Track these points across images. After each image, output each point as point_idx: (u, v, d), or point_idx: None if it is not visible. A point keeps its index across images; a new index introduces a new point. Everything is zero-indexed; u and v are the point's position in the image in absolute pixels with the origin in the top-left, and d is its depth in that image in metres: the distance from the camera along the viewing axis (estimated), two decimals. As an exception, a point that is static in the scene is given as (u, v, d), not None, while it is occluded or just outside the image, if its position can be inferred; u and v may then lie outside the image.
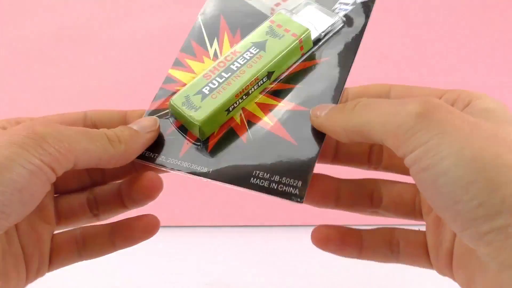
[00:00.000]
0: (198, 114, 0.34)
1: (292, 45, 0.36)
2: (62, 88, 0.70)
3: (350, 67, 0.36)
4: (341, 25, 0.37)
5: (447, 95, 0.31)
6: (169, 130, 0.36)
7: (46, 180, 0.28)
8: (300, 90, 0.36)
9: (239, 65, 0.35)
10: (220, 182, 0.33)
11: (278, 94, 0.36)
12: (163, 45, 0.73)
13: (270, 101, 0.36)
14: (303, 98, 0.35)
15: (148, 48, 0.74)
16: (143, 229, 0.36)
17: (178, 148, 0.35)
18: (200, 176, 0.34)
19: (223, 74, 0.35)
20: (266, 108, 0.35)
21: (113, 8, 0.78)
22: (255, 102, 0.36)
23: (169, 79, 0.38)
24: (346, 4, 0.38)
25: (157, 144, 0.35)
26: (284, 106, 0.35)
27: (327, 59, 0.36)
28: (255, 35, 0.37)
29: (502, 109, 0.29)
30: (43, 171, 0.28)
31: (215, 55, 0.38)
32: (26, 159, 0.27)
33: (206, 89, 0.35)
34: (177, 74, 0.37)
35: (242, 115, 0.35)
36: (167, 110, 0.36)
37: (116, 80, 0.71)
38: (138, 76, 0.71)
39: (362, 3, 0.37)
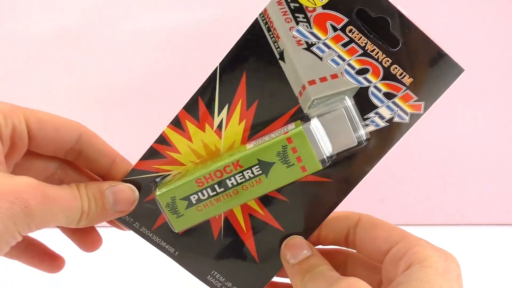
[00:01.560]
0: (179, 223, 0.35)
1: (297, 178, 0.34)
2: (62, 88, 0.71)
3: (343, 199, 0.35)
4: (363, 143, 0.34)
5: (400, 246, 0.34)
6: (149, 197, 0.35)
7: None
8: (286, 205, 0.35)
9: (235, 183, 0.34)
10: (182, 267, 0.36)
11: (264, 200, 0.36)
12: (164, 45, 0.72)
13: (254, 205, 0.36)
14: (284, 217, 0.36)
15: (148, 49, 0.72)
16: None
17: (153, 220, 0.35)
18: (166, 254, 0.36)
19: (216, 187, 0.34)
20: (246, 211, 0.36)
21: (113, 8, 0.73)
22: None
23: (163, 140, 0.34)
24: (382, 118, 0.34)
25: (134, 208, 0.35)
26: (263, 217, 0.35)
27: (329, 181, 0.35)
28: (266, 149, 0.33)
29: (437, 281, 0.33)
30: (17, 240, 0.31)
31: (219, 127, 0.34)
32: (12, 236, 0.30)
33: (194, 197, 0.34)
34: (173, 137, 0.34)
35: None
36: (152, 174, 0.34)
37: (117, 80, 0.71)
38: (138, 77, 0.71)
39: (397, 124, 0.34)
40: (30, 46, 0.72)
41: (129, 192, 0.35)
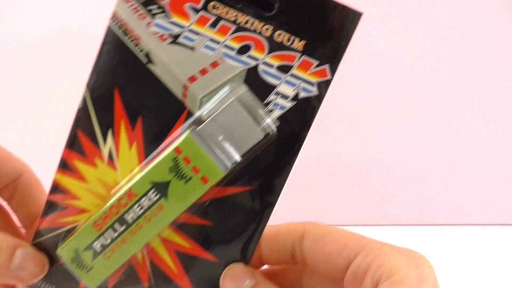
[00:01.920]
0: (91, 278, 0.30)
1: (200, 193, 0.28)
2: (62, 88, 0.69)
3: (275, 203, 0.29)
4: (273, 134, 0.29)
5: (360, 259, 0.28)
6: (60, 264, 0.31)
7: None
8: (211, 230, 0.30)
9: (135, 216, 0.29)
10: None
11: (186, 229, 0.30)
12: None
13: (177, 239, 0.30)
14: (213, 244, 0.30)
15: None
16: None
17: (76, 282, 0.31)
18: None
19: (116, 226, 0.29)
20: (171, 248, 0.30)
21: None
22: (160, 237, 0.30)
23: (56, 188, 0.30)
24: (285, 97, 0.28)
25: (50, 272, 0.31)
26: (191, 249, 0.30)
27: (250, 188, 0.29)
28: (156, 169, 0.28)
29: None
30: None
31: (110, 158, 0.30)
32: None
33: (97, 244, 0.29)
34: (65, 181, 0.30)
35: (144, 252, 0.30)
36: (61, 230, 0.31)
37: None
38: None
39: (305, 100, 0.28)
40: (30, 46, 0.72)
41: (34, 265, 0.31)
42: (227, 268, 0.30)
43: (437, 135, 0.70)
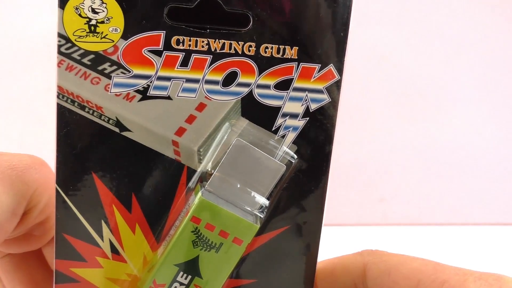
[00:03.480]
0: None
1: (238, 255, 0.24)
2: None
3: (320, 235, 0.26)
4: (294, 160, 0.25)
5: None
6: None
7: None
8: (258, 287, 0.26)
9: None
10: None
11: None
12: None
13: None
14: None
15: None
16: None
17: None
18: None
19: None
20: None
21: None
22: None
23: None
24: (295, 116, 0.24)
25: None
26: None
27: (286, 228, 0.25)
28: (177, 247, 0.24)
29: None
30: None
31: (114, 251, 0.25)
32: None
33: None
34: None
35: None
36: None
37: None
38: None
39: (318, 111, 0.24)
40: (31, 46, 0.70)
41: None
42: None
43: (437, 135, 0.70)
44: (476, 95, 0.72)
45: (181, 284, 0.24)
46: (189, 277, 0.24)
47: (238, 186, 0.24)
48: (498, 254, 0.61)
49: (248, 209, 0.24)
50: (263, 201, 0.24)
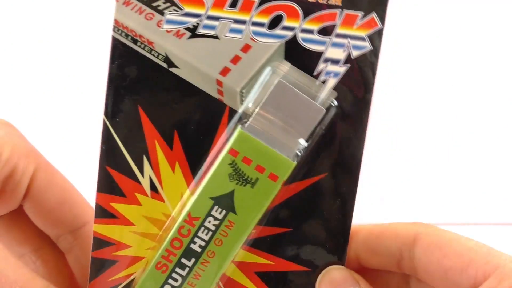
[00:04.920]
0: None
1: (273, 194, 0.25)
2: (62, 88, 0.69)
3: (357, 184, 0.26)
4: (334, 108, 0.26)
5: (491, 283, 0.24)
6: None
7: None
8: (292, 236, 0.26)
9: (203, 244, 0.25)
10: None
11: (263, 245, 0.26)
12: None
13: (254, 258, 0.27)
14: (300, 251, 0.26)
15: None
16: None
17: None
18: None
19: (184, 261, 0.25)
20: (250, 271, 0.27)
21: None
22: (233, 261, 0.26)
23: (100, 242, 0.26)
24: (336, 62, 0.25)
25: None
26: (274, 265, 0.26)
27: (324, 175, 0.26)
28: (213, 181, 0.25)
29: None
30: None
31: (153, 189, 0.26)
32: None
33: None
34: (109, 232, 0.26)
35: (221, 284, 0.27)
36: None
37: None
38: None
39: (360, 58, 0.25)
40: (31, 46, 0.71)
41: None
42: (323, 272, 0.26)
43: (437, 135, 0.71)
44: (476, 95, 0.72)
45: (216, 219, 0.25)
46: (224, 212, 0.25)
47: (278, 124, 0.25)
48: None
49: (287, 147, 0.25)
50: (302, 141, 0.25)
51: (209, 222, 0.25)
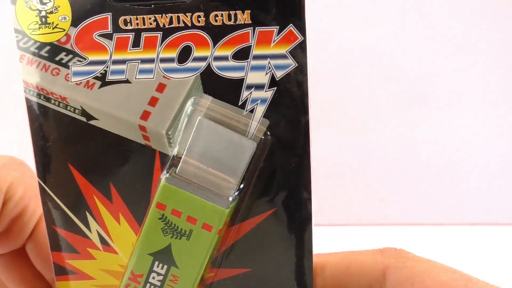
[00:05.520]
0: None
1: (213, 245, 0.23)
2: None
3: (311, 214, 0.23)
4: (267, 140, 0.23)
5: None
6: None
7: None
8: (253, 276, 0.24)
9: None
10: None
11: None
12: None
13: None
14: None
15: None
16: None
17: None
18: None
19: None
20: None
21: None
22: None
23: None
24: (261, 87, 0.22)
25: None
26: None
27: (273, 211, 0.24)
28: (148, 236, 0.23)
29: None
30: None
31: (104, 242, 0.25)
32: None
33: None
34: (72, 287, 0.26)
35: None
36: None
37: None
38: None
39: (286, 78, 0.22)
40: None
41: None
42: None
43: (437, 134, 0.71)
44: (476, 94, 0.71)
45: (159, 274, 0.24)
46: (165, 266, 0.24)
47: (206, 170, 0.23)
48: (498, 254, 0.62)
49: (217, 193, 0.23)
50: (233, 182, 0.23)
51: (153, 278, 0.24)
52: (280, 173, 0.23)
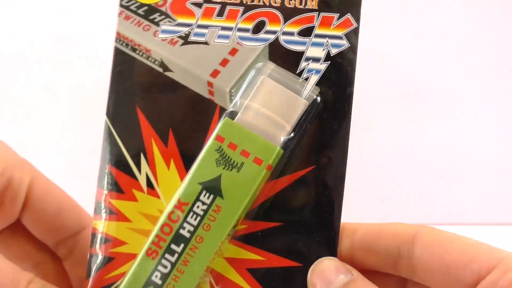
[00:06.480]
0: None
1: (259, 179, 0.26)
2: (62, 89, 0.72)
3: (345, 175, 0.27)
4: (317, 101, 0.28)
5: (495, 275, 0.24)
6: None
7: None
8: (283, 231, 0.27)
9: (191, 229, 0.26)
10: None
11: (253, 240, 0.27)
12: None
13: (245, 254, 0.27)
14: (290, 247, 0.27)
15: None
16: None
17: None
18: None
19: (173, 247, 0.26)
20: (241, 267, 0.27)
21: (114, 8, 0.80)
22: (224, 257, 0.27)
23: (97, 238, 0.28)
24: (317, 60, 0.27)
25: None
26: (265, 261, 0.27)
27: (312, 168, 0.27)
28: (201, 167, 0.26)
29: None
30: None
31: (150, 185, 0.28)
32: None
33: (156, 276, 0.26)
34: (108, 227, 0.28)
35: (212, 280, 0.27)
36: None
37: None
38: None
39: (339, 55, 0.27)
40: (30, 47, 0.73)
41: None
42: (315, 263, 0.26)
43: (437, 135, 0.72)
44: (476, 95, 0.73)
45: (204, 203, 0.26)
46: (212, 196, 0.26)
47: (264, 114, 0.27)
48: None
49: (271, 134, 0.26)
50: (286, 130, 0.27)
51: (198, 207, 0.26)
52: (323, 134, 0.27)
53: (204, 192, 0.26)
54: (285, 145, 0.27)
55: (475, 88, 0.73)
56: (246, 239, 0.27)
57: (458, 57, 0.73)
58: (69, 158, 0.63)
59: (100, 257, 0.28)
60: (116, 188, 0.28)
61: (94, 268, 0.27)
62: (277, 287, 0.27)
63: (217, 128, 0.27)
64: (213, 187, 0.26)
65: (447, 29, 0.73)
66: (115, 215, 0.28)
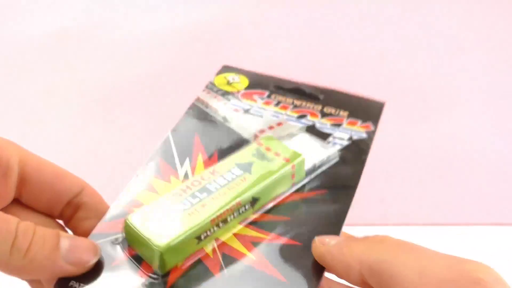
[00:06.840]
0: (159, 237, 0.28)
1: (283, 170, 0.31)
2: (62, 89, 0.76)
3: (349, 206, 0.32)
4: (336, 159, 0.34)
5: None
6: (117, 261, 0.28)
7: None
8: (291, 223, 0.30)
9: (218, 186, 0.30)
10: None
11: (263, 226, 0.30)
12: (165, 46, 0.85)
13: (253, 232, 0.30)
14: (295, 232, 0.30)
15: (149, 49, 0.84)
16: None
17: (126, 284, 0.27)
18: None
19: (197, 194, 0.30)
20: (247, 241, 0.29)
21: (114, 8, 0.86)
22: (233, 234, 0.30)
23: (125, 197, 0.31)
24: (341, 138, 0.35)
25: (95, 273, 0.27)
26: (271, 239, 0.29)
27: (323, 192, 0.32)
28: (240, 155, 0.32)
29: None
30: None
31: (186, 177, 0.33)
32: None
33: (176, 207, 0.29)
34: (140, 196, 0.31)
35: (215, 246, 0.29)
36: (119, 235, 0.29)
37: (117, 80, 0.79)
38: (138, 77, 0.80)
39: (358, 140, 0.35)
40: (30, 47, 0.73)
41: (88, 244, 0.27)
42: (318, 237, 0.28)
43: (436, 135, 0.72)
44: (476, 95, 0.74)
45: (233, 174, 0.31)
46: (241, 171, 0.31)
47: (301, 139, 0.33)
48: (498, 254, 0.62)
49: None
50: (315, 158, 0.33)
51: (228, 175, 0.31)
52: (337, 176, 0.32)
53: (236, 168, 0.31)
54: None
55: (475, 89, 0.74)
56: (255, 223, 0.30)
57: (459, 57, 0.75)
58: (69, 158, 0.64)
59: (119, 211, 0.30)
60: (156, 171, 0.32)
61: (110, 218, 0.29)
62: (277, 257, 0.28)
63: (260, 137, 0.33)
64: (245, 166, 0.31)
65: (447, 29, 0.76)
66: (148, 187, 0.31)
